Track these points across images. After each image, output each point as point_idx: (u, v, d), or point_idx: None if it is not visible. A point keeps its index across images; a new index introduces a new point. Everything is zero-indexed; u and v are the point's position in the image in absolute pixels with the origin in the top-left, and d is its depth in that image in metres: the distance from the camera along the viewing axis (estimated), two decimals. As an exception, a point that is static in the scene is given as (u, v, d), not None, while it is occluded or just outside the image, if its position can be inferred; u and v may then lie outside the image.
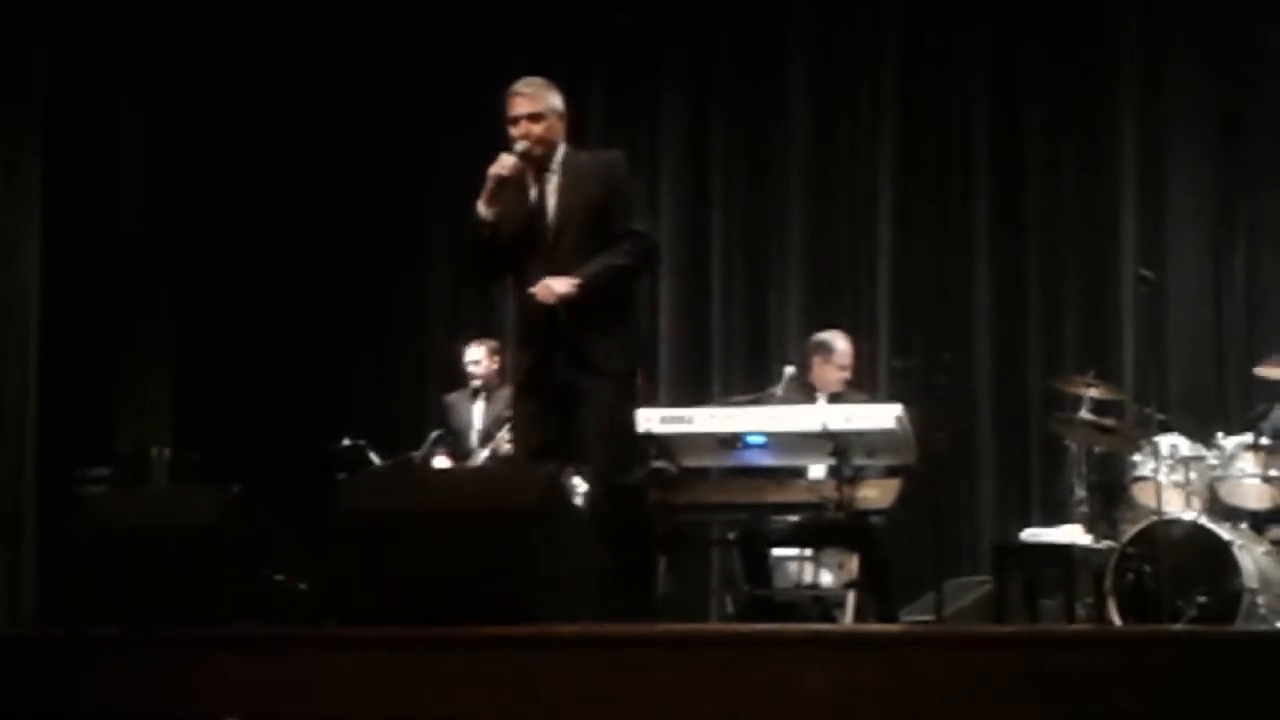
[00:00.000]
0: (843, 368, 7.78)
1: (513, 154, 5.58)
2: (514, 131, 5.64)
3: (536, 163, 5.64)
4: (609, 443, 5.54)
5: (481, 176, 5.62)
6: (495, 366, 8.69)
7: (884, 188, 9.58)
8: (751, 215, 9.92)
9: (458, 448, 8.51)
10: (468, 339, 8.95)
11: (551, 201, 5.66)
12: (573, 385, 5.53)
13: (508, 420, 8.23)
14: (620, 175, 5.73)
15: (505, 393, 8.49)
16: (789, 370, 7.83)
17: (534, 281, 5.55)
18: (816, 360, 7.80)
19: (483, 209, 5.60)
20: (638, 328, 5.87)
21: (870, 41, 9.76)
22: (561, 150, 5.70)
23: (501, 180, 5.55)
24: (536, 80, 5.75)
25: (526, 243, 5.64)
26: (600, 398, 5.51)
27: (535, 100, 5.67)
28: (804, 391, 7.73)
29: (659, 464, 6.86)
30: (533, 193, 5.67)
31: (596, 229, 5.59)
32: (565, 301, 5.48)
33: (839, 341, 7.86)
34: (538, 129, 5.63)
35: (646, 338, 9.76)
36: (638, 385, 5.83)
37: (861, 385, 8.05)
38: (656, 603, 5.68)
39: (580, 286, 5.48)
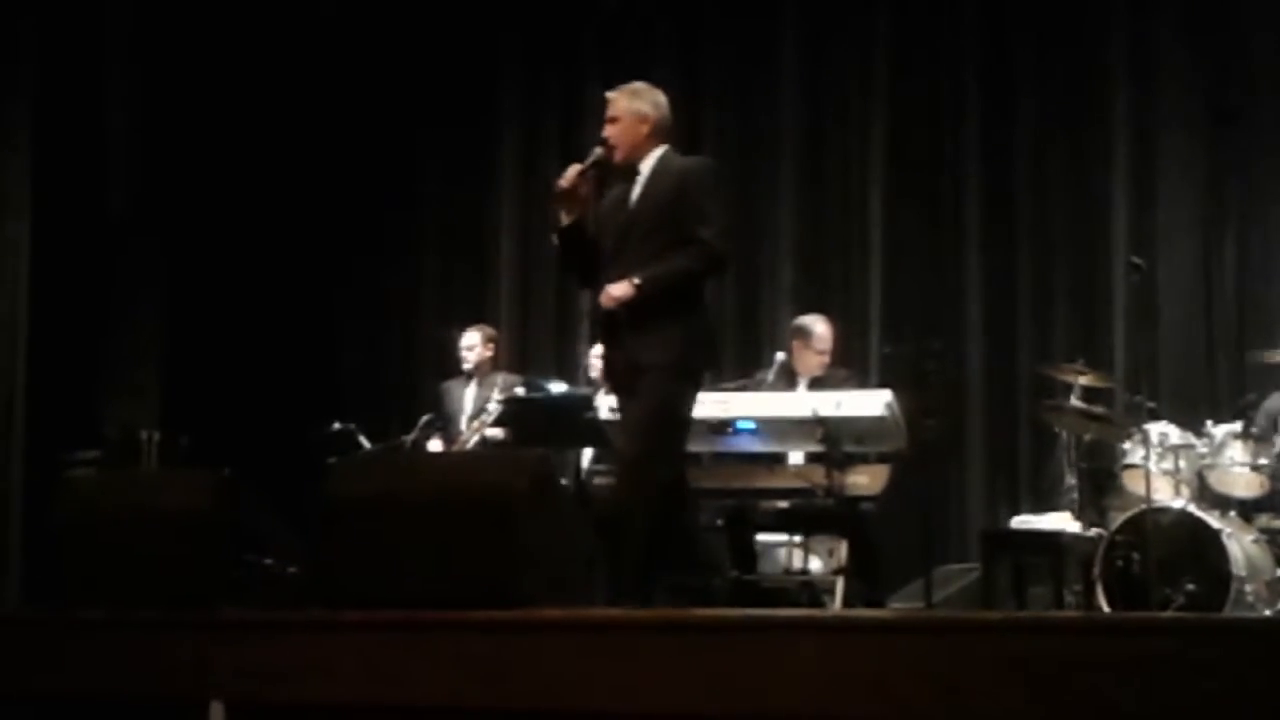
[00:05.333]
0: (821, 352, 7.79)
1: (585, 162, 5.72)
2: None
3: (621, 165, 5.79)
4: (638, 435, 5.60)
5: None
6: (489, 353, 8.71)
7: (875, 175, 9.58)
8: (742, 202, 9.90)
9: (449, 432, 8.52)
10: (464, 325, 8.96)
11: (631, 202, 5.78)
12: (632, 382, 5.63)
13: (485, 405, 8.28)
14: (695, 181, 5.77)
15: (496, 378, 8.50)
16: (779, 356, 7.83)
17: (606, 279, 5.68)
18: (796, 345, 7.81)
19: (561, 218, 5.76)
20: (698, 328, 5.79)
21: (861, 29, 9.75)
22: (656, 153, 5.81)
23: (563, 190, 5.70)
24: (630, 85, 5.88)
25: (604, 241, 5.79)
26: (642, 393, 5.59)
27: (614, 104, 5.83)
28: (790, 377, 7.74)
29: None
30: (623, 193, 5.81)
31: (663, 232, 5.66)
32: (624, 304, 5.58)
33: (818, 326, 7.86)
34: (613, 130, 5.78)
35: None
36: (688, 384, 5.80)
37: (845, 363, 8.06)
38: (649, 595, 5.68)
39: (638, 288, 5.57)
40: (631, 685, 4.03)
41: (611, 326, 5.67)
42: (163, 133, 9.74)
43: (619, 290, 5.58)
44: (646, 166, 5.78)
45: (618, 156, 5.76)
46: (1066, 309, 9.11)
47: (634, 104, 5.81)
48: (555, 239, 5.83)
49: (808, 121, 9.79)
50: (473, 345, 8.69)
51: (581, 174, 5.71)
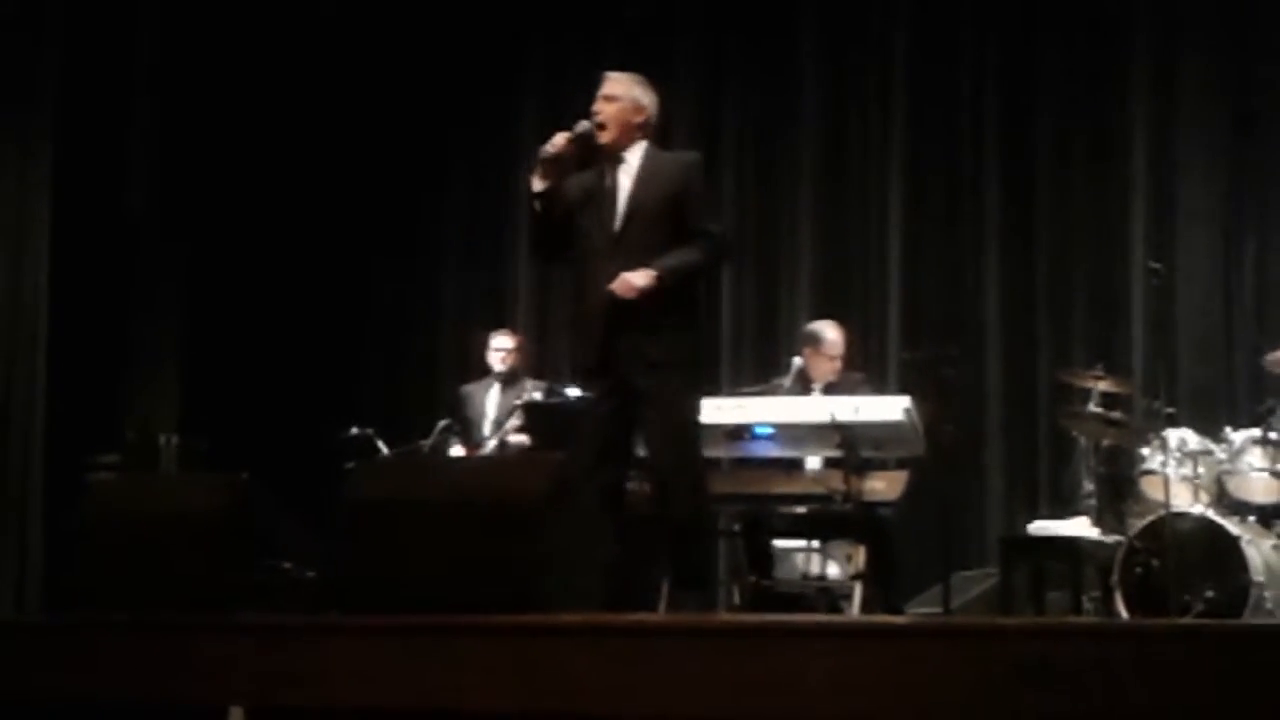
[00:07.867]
0: (833, 358, 7.78)
1: (572, 131, 5.65)
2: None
3: (607, 148, 5.72)
4: (669, 439, 5.56)
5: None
6: (521, 359, 8.72)
7: (894, 180, 9.57)
8: (762, 207, 9.92)
9: (469, 437, 8.51)
10: (489, 327, 8.96)
11: (624, 192, 5.70)
12: (634, 381, 5.56)
13: (515, 409, 8.26)
14: (696, 176, 5.77)
15: (526, 383, 8.49)
16: (797, 362, 7.83)
17: (596, 268, 5.60)
18: (808, 352, 7.81)
19: (535, 183, 5.67)
20: (700, 324, 5.85)
21: (881, 35, 9.74)
22: (642, 146, 5.76)
23: (549, 157, 5.62)
24: (633, 75, 5.83)
25: (592, 228, 5.70)
26: (660, 394, 5.52)
27: (615, 84, 5.78)
28: (805, 382, 7.74)
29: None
30: (606, 179, 5.73)
31: (665, 225, 5.63)
32: (645, 295, 5.49)
33: (828, 332, 7.86)
34: (608, 109, 5.72)
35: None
36: (700, 381, 5.84)
37: (860, 368, 8.05)
38: (713, 598, 5.69)
39: (658, 279, 5.50)
40: (650, 690, 4.03)
41: (610, 320, 5.55)
42: (183, 134, 9.76)
43: (641, 279, 5.48)
44: (634, 157, 5.74)
45: (606, 137, 5.71)
46: (1085, 314, 9.09)
47: (634, 90, 5.78)
48: (536, 204, 5.68)
49: (827, 126, 9.79)
50: (509, 348, 8.69)
51: (570, 142, 5.65)
